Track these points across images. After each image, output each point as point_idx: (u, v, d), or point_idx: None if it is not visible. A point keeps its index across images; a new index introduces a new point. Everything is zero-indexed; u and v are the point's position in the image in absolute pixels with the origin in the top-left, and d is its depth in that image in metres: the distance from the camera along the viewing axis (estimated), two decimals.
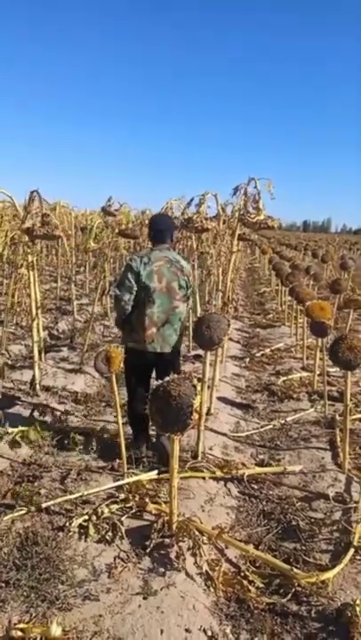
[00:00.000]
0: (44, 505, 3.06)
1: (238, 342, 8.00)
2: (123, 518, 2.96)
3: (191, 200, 5.23)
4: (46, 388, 5.12)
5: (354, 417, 4.77)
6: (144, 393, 3.10)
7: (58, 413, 4.50)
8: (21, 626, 1.93)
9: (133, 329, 3.66)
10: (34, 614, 2.26)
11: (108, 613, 2.32)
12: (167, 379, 2.73)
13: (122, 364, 3.51)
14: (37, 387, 4.99)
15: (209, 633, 2.30)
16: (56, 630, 1.67)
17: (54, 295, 10.02)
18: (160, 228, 3.82)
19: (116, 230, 7.95)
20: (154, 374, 3.77)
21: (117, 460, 3.62)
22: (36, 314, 5.24)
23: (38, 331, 5.45)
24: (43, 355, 5.84)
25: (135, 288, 3.60)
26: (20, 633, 1.91)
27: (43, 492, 3.29)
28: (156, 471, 3.51)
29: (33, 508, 3.02)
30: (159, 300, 3.60)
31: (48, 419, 4.36)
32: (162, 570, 2.61)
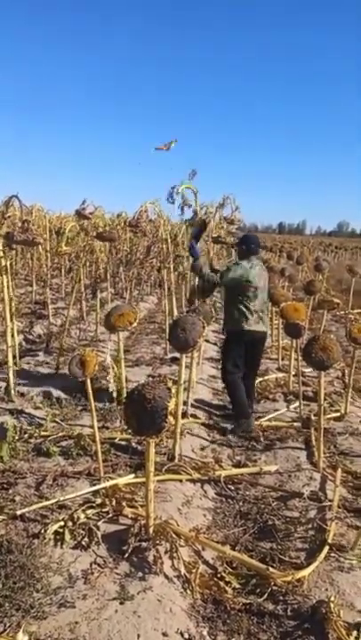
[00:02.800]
0: (18, 512, 3.02)
1: (215, 344, 8.03)
2: (99, 523, 2.95)
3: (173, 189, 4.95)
4: (21, 394, 5.05)
5: (328, 416, 4.85)
6: (241, 370, 4.74)
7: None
8: None
9: (239, 317, 4.66)
10: (8, 624, 2.23)
11: (84, 620, 2.30)
12: (142, 382, 2.74)
13: (96, 368, 3.50)
14: (12, 392, 4.92)
15: (186, 636, 2.30)
16: (22, 639, 1.63)
17: (29, 299, 9.91)
18: (256, 243, 4.94)
19: (93, 233, 7.90)
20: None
21: (94, 465, 3.60)
22: (10, 318, 5.17)
23: (13, 335, 5.38)
24: (18, 359, 5.76)
25: (236, 291, 4.67)
26: None
27: (17, 499, 3.24)
28: (132, 475, 3.50)
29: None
30: (260, 295, 4.71)
31: (23, 425, 4.30)
32: (139, 574, 2.60)
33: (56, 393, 5.21)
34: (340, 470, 3.78)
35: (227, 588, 2.58)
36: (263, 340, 4.88)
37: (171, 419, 2.66)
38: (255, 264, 4.77)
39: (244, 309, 4.65)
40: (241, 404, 4.73)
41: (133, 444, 4.06)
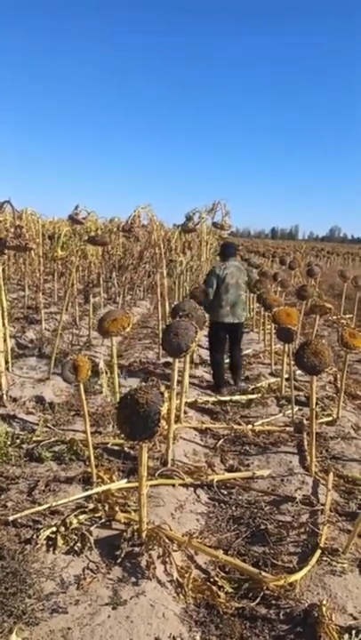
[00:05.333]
0: (10, 518, 3.01)
1: (208, 349, 8.05)
2: (92, 528, 2.94)
3: None
4: (14, 399, 5.04)
5: (321, 421, 4.87)
6: (223, 351, 6.07)
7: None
8: None
9: (216, 309, 5.79)
10: (0, 630, 2.22)
11: (76, 625, 2.30)
12: (135, 386, 2.75)
13: (89, 373, 3.51)
14: (4, 397, 4.91)
15: None
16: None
17: (22, 304, 9.88)
18: (231, 249, 6.11)
19: (85, 238, 7.91)
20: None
21: (87, 470, 3.60)
22: (3, 323, 5.16)
23: (5, 340, 5.37)
24: (10, 364, 5.75)
25: (215, 285, 5.75)
26: None
27: (10, 504, 3.23)
28: (125, 480, 3.50)
29: None
30: (231, 291, 5.75)
31: (15, 430, 4.29)
32: (132, 579, 2.60)
33: (49, 398, 5.20)
34: (332, 474, 3.79)
35: (219, 593, 2.58)
36: (238, 327, 6.04)
37: (163, 423, 2.67)
38: (229, 265, 5.89)
39: (218, 303, 5.78)
40: (218, 376, 6.02)
41: (126, 448, 4.06)
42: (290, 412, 5.06)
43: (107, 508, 3.14)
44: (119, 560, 2.71)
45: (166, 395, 2.72)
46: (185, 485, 3.63)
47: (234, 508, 3.47)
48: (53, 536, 2.85)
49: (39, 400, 5.13)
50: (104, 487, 3.35)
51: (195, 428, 4.74)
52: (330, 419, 4.99)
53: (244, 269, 6.25)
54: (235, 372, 6.19)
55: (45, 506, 3.14)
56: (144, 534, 2.82)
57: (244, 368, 6.92)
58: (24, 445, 4.05)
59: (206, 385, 6.21)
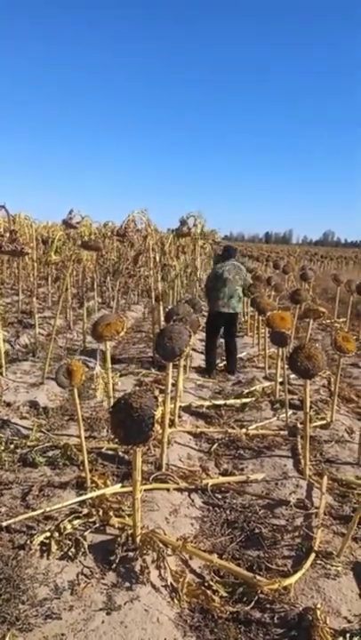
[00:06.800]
0: (4, 523, 2.99)
1: (202, 353, 8.05)
2: (86, 533, 2.93)
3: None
4: (7, 403, 5.02)
5: (314, 424, 4.88)
6: (216, 339, 6.91)
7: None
8: None
9: (214, 300, 6.62)
10: None
11: (70, 631, 2.29)
12: (129, 391, 2.75)
13: (83, 377, 3.50)
14: None
15: None
16: None
17: (16, 308, 9.84)
18: (230, 252, 7.01)
19: (79, 242, 7.90)
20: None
21: (81, 475, 3.58)
22: None
23: None
24: (4, 369, 5.72)
25: (212, 282, 6.70)
26: None
27: (3, 509, 3.21)
28: (119, 484, 3.49)
29: None
30: (228, 285, 6.55)
31: (9, 435, 4.27)
32: (126, 584, 2.59)
33: (42, 402, 5.18)
34: (326, 478, 3.80)
35: (214, 597, 2.58)
36: (233, 317, 6.76)
37: (158, 427, 2.67)
38: (227, 264, 6.73)
39: (216, 295, 6.58)
40: (209, 362, 6.85)
41: (120, 453, 4.05)
42: (284, 415, 5.07)
43: (101, 512, 3.13)
44: (113, 565, 2.69)
45: (160, 399, 2.72)
46: (179, 490, 3.62)
47: (228, 512, 3.47)
48: (47, 541, 2.83)
49: (33, 405, 5.10)
50: (98, 492, 3.33)
51: (189, 432, 4.74)
52: (324, 422, 5.00)
53: (243, 267, 7.00)
54: (229, 358, 6.88)
55: (39, 511, 3.13)
56: (138, 539, 2.81)
57: (238, 371, 6.93)
58: (18, 450, 4.03)
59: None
